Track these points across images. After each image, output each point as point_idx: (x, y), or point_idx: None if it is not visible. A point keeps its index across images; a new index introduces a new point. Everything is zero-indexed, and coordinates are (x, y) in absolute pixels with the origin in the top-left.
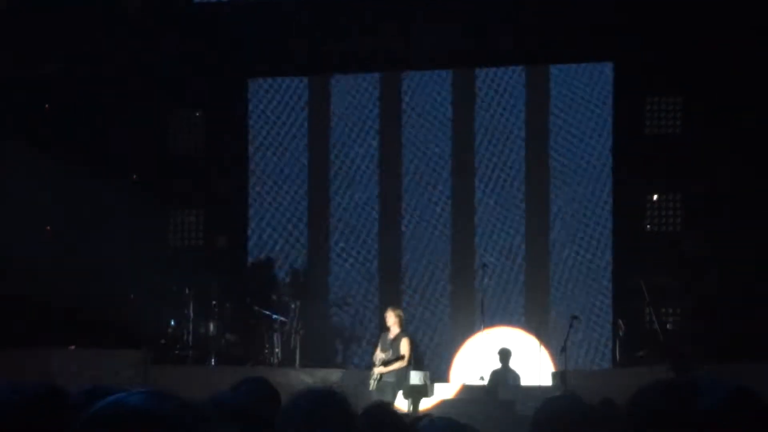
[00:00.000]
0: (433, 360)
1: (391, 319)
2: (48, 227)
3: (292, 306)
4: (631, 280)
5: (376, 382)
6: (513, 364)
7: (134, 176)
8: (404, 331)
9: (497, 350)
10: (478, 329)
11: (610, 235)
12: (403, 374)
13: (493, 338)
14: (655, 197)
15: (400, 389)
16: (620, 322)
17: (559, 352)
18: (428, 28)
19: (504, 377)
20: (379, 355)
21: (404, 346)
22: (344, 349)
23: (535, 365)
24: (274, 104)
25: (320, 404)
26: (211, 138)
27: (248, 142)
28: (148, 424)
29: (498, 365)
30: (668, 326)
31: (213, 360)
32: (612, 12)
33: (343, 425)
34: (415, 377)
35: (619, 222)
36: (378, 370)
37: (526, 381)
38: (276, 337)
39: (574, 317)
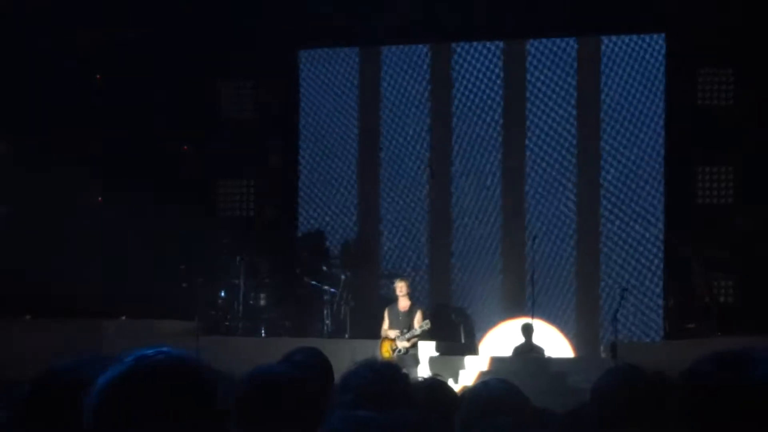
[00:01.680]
0: (480, 332)
1: (404, 290)
2: (100, 198)
3: (342, 277)
4: (682, 253)
5: (397, 355)
6: (536, 339)
7: (185, 147)
8: (416, 303)
9: (520, 326)
10: (527, 306)
11: (661, 207)
12: (417, 347)
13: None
14: (707, 169)
15: (419, 361)
16: (670, 294)
17: (609, 324)
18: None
19: (527, 352)
20: (392, 331)
21: (420, 318)
22: None
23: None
24: (325, 75)
25: (379, 377)
26: (261, 109)
27: (299, 113)
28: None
29: (521, 340)
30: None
31: (263, 331)
32: None
33: (401, 398)
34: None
35: (671, 194)
36: (402, 344)
37: (549, 354)
38: (326, 309)
39: (624, 289)
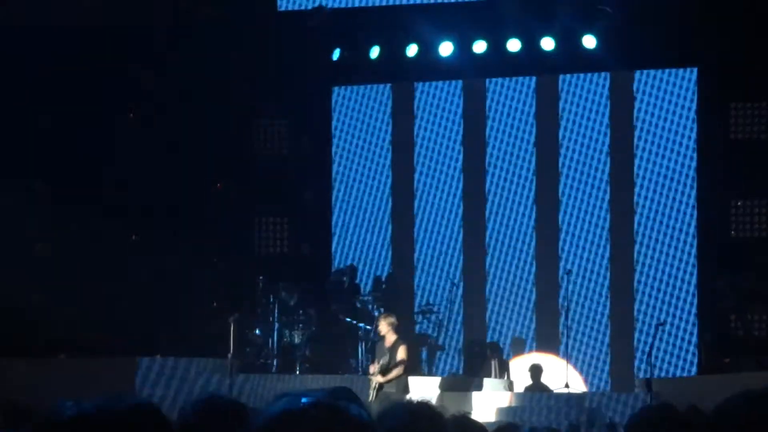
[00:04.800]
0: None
1: (384, 327)
2: (133, 235)
3: (376, 314)
4: (716, 287)
5: (375, 392)
6: (544, 379)
7: (219, 185)
8: (401, 338)
9: (528, 367)
10: (561, 341)
11: (694, 241)
12: (404, 383)
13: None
14: (740, 203)
15: (402, 399)
16: (705, 329)
17: (644, 358)
18: (512, 34)
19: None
20: (372, 366)
21: (401, 353)
22: (429, 356)
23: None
24: (358, 112)
25: (413, 417)
26: (295, 146)
27: (332, 150)
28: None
29: (529, 382)
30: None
31: (298, 368)
32: (697, 18)
33: None
34: (498, 385)
35: (704, 228)
36: (376, 379)
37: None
38: (360, 345)
39: (659, 324)
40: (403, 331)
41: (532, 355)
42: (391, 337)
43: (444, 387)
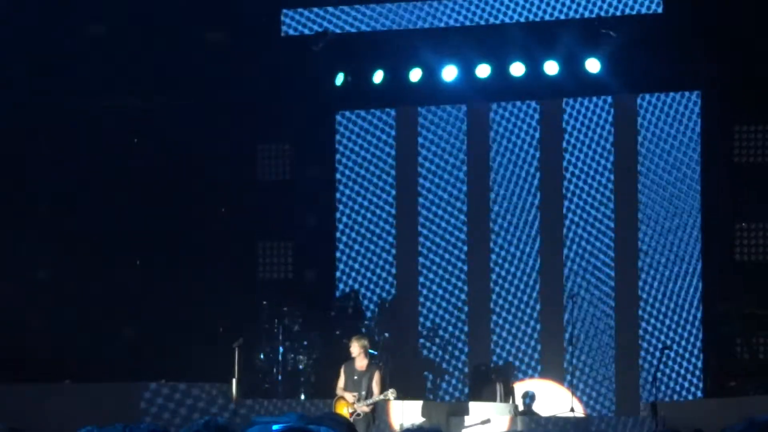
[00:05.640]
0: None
1: (356, 349)
2: (137, 261)
3: (381, 338)
4: (721, 310)
5: (354, 418)
6: (536, 407)
7: (223, 209)
8: (372, 363)
9: (521, 393)
10: (566, 366)
11: (699, 264)
12: (378, 409)
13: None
14: (744, 226)
15: (372, 424)
16: (710, 352)
17: (649, 382)
18: (515, 58)
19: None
20: (349, 394)
21: (379, 380)
22: (434, 380)
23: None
24: (362, 136)
25: None
26: (299, 170)
27: (336, 175)
28: None
29: (522, 408)
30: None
31: (302, 393)
32: (700, 41)
33: None
34: (503, 409)
35: (709, 251)
36: (361, 408)
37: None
38: None
39: (665, 347)
40: (370, 355)
41: (534, 380)
42: (363, 361)
43: (442, 413)
